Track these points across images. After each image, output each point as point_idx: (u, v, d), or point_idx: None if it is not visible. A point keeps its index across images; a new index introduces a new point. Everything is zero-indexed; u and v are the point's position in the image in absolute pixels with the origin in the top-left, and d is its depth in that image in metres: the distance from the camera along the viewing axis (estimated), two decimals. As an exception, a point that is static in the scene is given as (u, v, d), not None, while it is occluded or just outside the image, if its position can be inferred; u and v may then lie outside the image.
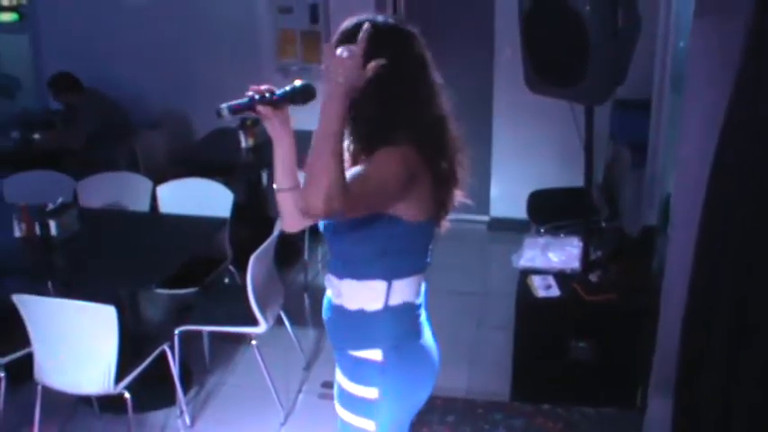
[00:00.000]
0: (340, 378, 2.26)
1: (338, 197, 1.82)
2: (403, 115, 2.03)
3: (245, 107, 2.06)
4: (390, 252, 2.10)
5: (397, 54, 1.99)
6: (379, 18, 2.04)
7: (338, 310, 2.20)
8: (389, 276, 2.12)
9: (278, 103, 2.08)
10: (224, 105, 2.03)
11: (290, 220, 2.22)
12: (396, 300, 2.14)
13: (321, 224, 2.16)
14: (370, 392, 2.18)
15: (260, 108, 2.04)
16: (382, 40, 1.96)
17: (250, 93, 2.04)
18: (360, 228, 2.05)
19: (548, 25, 3.33)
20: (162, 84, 6.37)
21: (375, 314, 2.14)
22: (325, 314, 2.28)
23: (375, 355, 2.16)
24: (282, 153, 2.12)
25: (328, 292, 2.25)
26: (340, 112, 1.86)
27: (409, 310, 2.19)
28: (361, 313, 2.15)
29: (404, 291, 2.15)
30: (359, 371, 2.19)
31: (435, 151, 2.06)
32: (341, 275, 2.16)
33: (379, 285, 2.12)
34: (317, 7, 5.76)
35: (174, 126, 6.36)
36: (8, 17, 7.27)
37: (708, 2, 2.67)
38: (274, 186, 2.18)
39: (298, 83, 2.09)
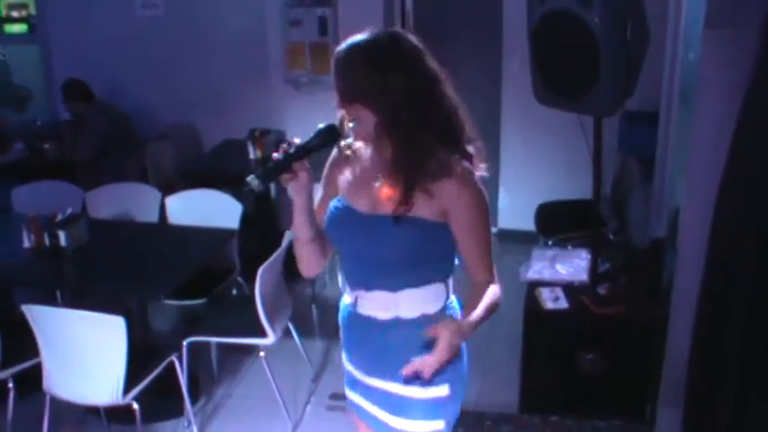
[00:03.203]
0: (403, 390, 2.21)
1: (492, 268, 2.13)
2: (433, 126, 2.03)
3: (280, 168, 1.97)
4: (444, 254, 2.14)
5: (413, 76, 1.99)
6: (383, 36, 2.02)
7: (393, 325, 2.17)
8: (445, 277, 2.18)
9: (312, 151, 2.00)
10: (252, 177, 1.93)
11: (309, 267, 2.29)
12: (449, 296, 2.21)
13: (362, 243, 2.14)
14: (442, 390, 2.19)
15: (296, 165, 1.99)
16: (394, 66, 1.97)
17: (276, 154, 1.99)
18: (421, 239, 2.07)
19: (556, 38, 3.33)
20: (171, 95, 6.40)
21: (436, 315, 2.16)
22: (367, 338, 2.24)
23: None
24: (306, 205, 2.10)
25: (365, 311, 2.21)
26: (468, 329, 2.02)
27: (455, 302, 2.27)
28: (423, 318, 2.14)
29: (452, 287, 2.21)
30: None
31: (463, 142, 2.11)
32: (396, 288, 2.13)
33: (439, 288, 2.17)
34: (325, 19, 5.78)
35: (182, 137, 6.39)
36: (18, 28, 7.32)
37: (717, 15, 2.68)
38: (297, 235, 2.18)
39: (321, 126, 2.03)
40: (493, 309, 2.11)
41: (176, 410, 3.87)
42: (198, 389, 4.15)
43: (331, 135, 2.03)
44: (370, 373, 2.27)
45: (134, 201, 4.74)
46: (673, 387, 3.04)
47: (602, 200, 3.90)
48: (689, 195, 3.02)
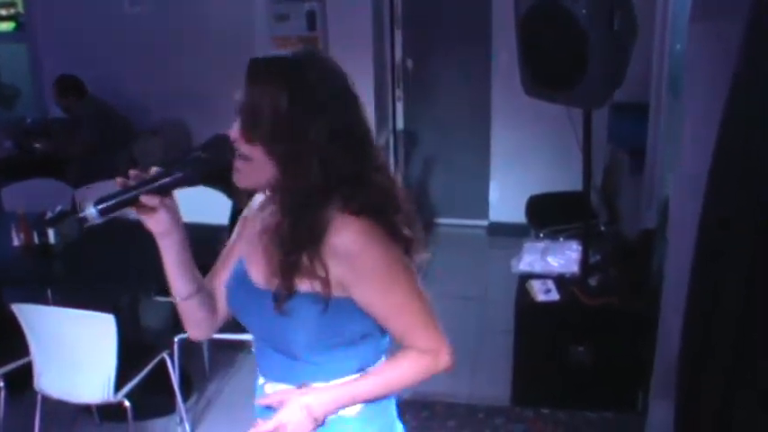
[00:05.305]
0: None
1: (442, 348, 1.65)
2: (339, 169, 1.53)
3: (126, 202, 1.54)
4: (355, 338, 1.65)
5: (345, 126, 1.54)
6: (316, 60, 1.62)
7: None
8: (363, 367, 1.69)
9: (170, 188, 1.56)
10: (90, 207, 1.53)
11: (194, 329, 1.86)
12: None
13: (255, 322, 1.72)
14: None
15: (144, 199, 1.53)
16: (322, 108, 1.52)
17: (121, 181, 1.55)
18: (317, 321, 1.59)
19: (544, 29, 3.33)
20: (160, 91, 6.38)
21: (358, 417, 1.71)
22: None
23: None
24: (176, 254, 1.69)
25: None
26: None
27: (388, 405, 1.79)
28: (340, 420, 1.69)
29: None
30: None
31: (388, 207, 1.59)
32: (298, 382, 1.72)
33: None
34: (313, 14, 5.76)
35: (172, 133, 6.37)
36: (6, 26, 7.29)
37: (704, 5, 2.68)
38: (176, 297, 1.79)
39: (200, 154, 1.57)
40: (399, 383, 1.67)
41: (168, 407, 3.86)
42: (190, 386, 4.14)
43: (213, 162, 1.57)
44: None
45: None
46: (664, 378, 3.05)
47: (592, 191, 3.91)
48: (678, 185, 3.02)
